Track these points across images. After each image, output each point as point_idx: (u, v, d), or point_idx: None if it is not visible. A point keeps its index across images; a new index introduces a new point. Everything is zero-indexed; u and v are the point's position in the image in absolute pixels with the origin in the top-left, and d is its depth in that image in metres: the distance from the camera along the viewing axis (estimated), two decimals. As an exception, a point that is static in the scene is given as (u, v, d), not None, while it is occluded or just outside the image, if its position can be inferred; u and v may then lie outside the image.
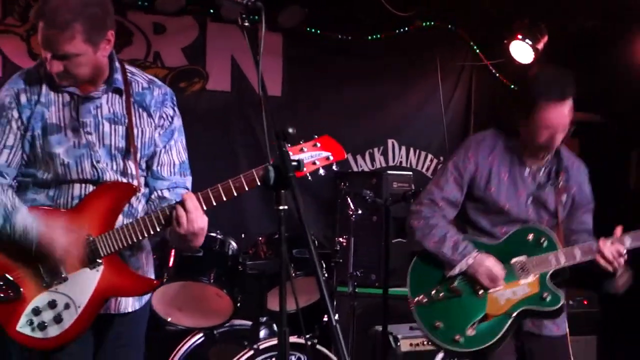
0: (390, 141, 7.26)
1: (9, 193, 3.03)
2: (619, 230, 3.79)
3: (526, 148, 3.91)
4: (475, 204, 3.98)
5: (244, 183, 3.03)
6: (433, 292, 3.93)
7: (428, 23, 7.09)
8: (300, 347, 4.51)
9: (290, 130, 2.71)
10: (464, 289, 3.89)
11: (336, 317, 5.27)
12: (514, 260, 3.87)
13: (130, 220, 3.13)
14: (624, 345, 6.45)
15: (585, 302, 6.15)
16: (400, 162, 7.29)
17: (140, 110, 3.20)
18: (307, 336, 4.62)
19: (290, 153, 2.93)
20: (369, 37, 6.92)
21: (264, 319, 4.89)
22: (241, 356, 4.53)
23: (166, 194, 3.25)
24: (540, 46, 6.81)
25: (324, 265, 5.18)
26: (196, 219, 2.99)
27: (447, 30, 7.27)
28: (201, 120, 6.36)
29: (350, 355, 4.91)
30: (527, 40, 6.79)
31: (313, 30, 6.71)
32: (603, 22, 7.06)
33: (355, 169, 7.05)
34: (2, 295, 2.99)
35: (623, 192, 7.88)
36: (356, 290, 5.41)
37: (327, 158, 3.07)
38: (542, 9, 6.79)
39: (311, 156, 3.05)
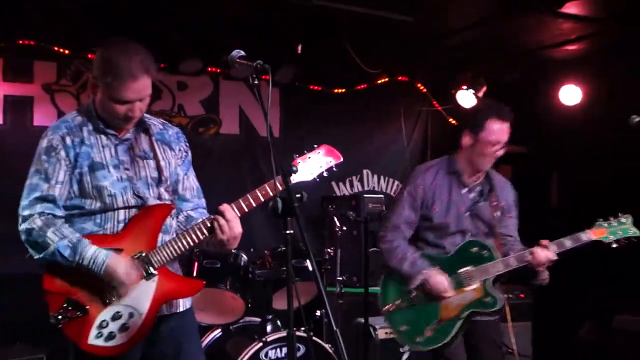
0: (365, 171, 7.16)
1: (67, 227, 2.83)
2: (546, 241, 3.73)
3: (465, 171, 3.89)
4: (424, 222, 3.93)
5: (268, 190, 2.92)
6: (398, 302, 3.86)
7: (393, 77, 7.04)
8: (300, 338, 4.36)
9: (294, 168, 2.61)
10: (421, 298, 3.81)
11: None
12: (461, 270, 3.78)
13: (167, 235, 2.98)
14: (552, 327, 6.35)
15: (522, 295, 6.10)
16: (374, 187, 7.20)
17: (164, 146, 3.05)
18: (304, 328, 4.42)
19: (300, 161, 2.99)
20: (347, 89, 6.85)
21: (270, 316, 4.76)
22: (252, 347, 4.39)
23: (192, 213, 3.09)
24: (480, 94, 6.77)
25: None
26: (236, 225, 2.88)
27: (408, 83, 7.23)
28: (216, 157, 6.30)
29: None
30: (470, 90, 6.72)
31: (303, 85, 6.64)
32: (527, 74, 7.03)
33: (338, 193, 6.95)
34: (70, 315, 2.78)
35: (547, 208, 7.82)
36: (342, 290, 5.32)
37: (329, 162, 3.02)
38: (481, 64, 6.74)
39: (317, 162, 3.00)
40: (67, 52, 5.60)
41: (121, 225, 2.89)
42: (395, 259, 3.84)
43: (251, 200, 2.92)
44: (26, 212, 2.84)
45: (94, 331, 2.78)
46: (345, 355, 2.31)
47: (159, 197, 2.98)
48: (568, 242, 3.74)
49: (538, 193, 7.83)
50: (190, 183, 3.13)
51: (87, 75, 5.68)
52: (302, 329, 4.30)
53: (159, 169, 2.98)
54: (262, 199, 2.92)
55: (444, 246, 3.88)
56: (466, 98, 6.81)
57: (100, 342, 2.79)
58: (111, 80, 2.77)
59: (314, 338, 4.48)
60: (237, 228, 2.88)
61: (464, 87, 6.75)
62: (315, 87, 6.68)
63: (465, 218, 3.87)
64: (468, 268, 3.77)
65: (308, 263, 4.95)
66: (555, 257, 3.71)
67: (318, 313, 5.35)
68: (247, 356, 4.34)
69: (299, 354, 4.39)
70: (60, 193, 2.86)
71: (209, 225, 2.88)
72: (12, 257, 5.15)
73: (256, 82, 2.66)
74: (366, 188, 7.14)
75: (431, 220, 3.88)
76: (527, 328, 6.11)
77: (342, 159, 3.08)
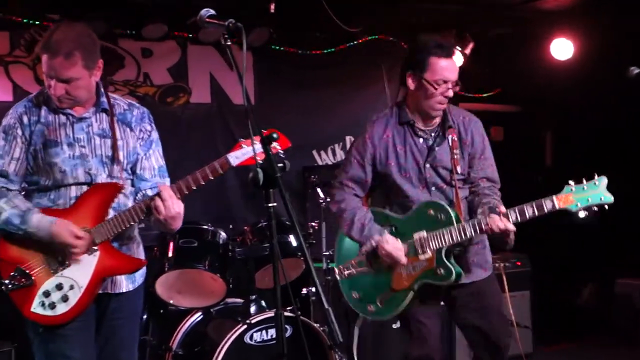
0: (347, 137, 6.97)
1: (20, 198, 3.10)
2: (503, 208, 3.41)
3: (417, 119, 3.64)
4: (385, 179, 3.70)
5: (208, 172, 3.06)
6: (352, 263, 3.76)
7: (373, 36, 6.88)
8: (287, 319, 4.27)
9: (275, 135, 2.55)
10: (374, 264, 3.68)
11: (312, 289, 5.13)
12: (415, 235, 3.57)
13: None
14: (552, 295, 6.38)
15: (519, 263, 6.08)
16: (357, 154, 7.07)
17: (124, 126, 3.22)
18: (290, 308, 4.32)
19: (244, 145, 3.04)
20: (325, 51, 6.69)
21: (254, 296, 4.68)
22: (236, 330, 4.31)
23: (149, 192, 3.21)
24: (467, 51, 6.70)
25: (301, 247, 4.99)
26: (172, 205, 3.00)
27: (390, 42, 7.05)
28: (187, 128, 6.14)
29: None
30: (457, 47, 6.62)
31: (277, 47, 6.47)
32: (514, 29, 6.97)
33: (320, 162, 6.79)
34: (16, 283, 3.02)
35: (542, 169, 7.83)
36: (329, 266, 5.18)
37: (276, 147, 3.04)
38: (465, 19, 6.64)
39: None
40: (20, 19, 5.42)
41: (73, 200, 3.10)
42: (344, 224, 3.73)
43: (191, 182, 3.06)
44: None
45: (37, 300, 3.02)
46: (339, 335, 2.28)
47: (112, 175, 3.15)
48: (530, 210, 3.37)
49: (532, 153, 7.86)
50: (150, 163, 3.28)
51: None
52: (289, 308, 4.23)
53: (114, 148, 3.14)
54: (202, 182, 3.06)
55: (409, 203, 3.66)
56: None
57: (41, 311, 3.02)
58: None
59: (301, 317, 4.42)
60: (174, 208, 3.00)
61: (450, 44, 6.65)
62: (290, 49, 6.50)
63: (427, 170, 3.64)
64: (422, 234, 3.56)
65: (291, 238, 4.88)
66: (512, 228, 3.38)
67: (304, 291, 5.28)
68: (231, 339, 4.26)
69: (286, 335, 4.32)
70: (16, 169, 3.10)
71: (148, 203, 3.04)
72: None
73: (229, 42, 2.66)
74: (350, 155, 7.04)
75: (390, 176, 3.67)
76: (525, 297, 6.10)
77: (290, 144, 3.13)
